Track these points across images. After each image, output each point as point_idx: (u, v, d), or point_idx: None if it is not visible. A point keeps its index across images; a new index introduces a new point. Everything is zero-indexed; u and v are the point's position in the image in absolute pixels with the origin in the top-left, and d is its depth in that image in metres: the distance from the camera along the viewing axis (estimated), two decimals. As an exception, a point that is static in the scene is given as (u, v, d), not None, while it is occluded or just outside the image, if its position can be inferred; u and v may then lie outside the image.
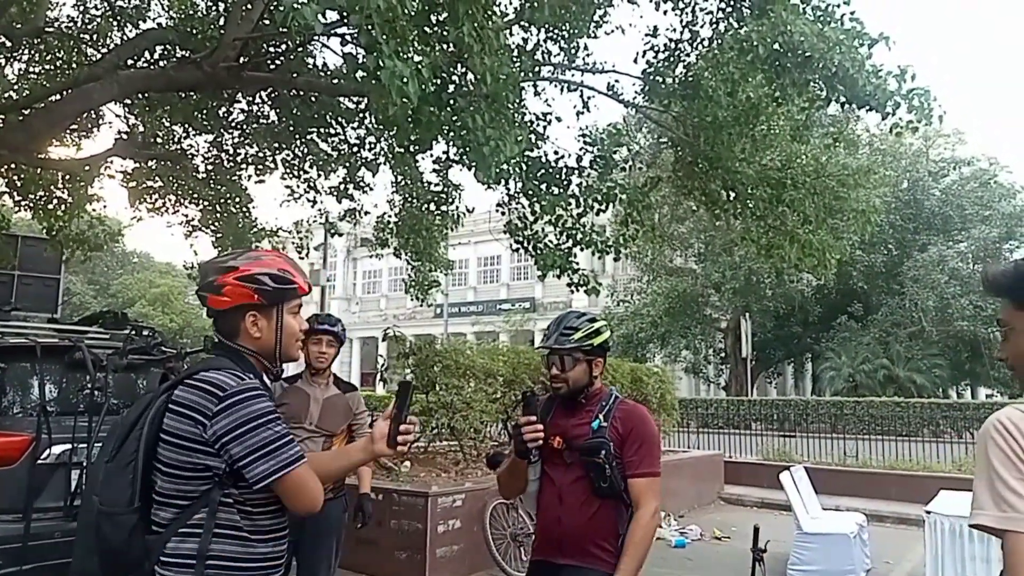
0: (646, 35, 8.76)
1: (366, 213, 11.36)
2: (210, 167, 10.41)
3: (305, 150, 10.07)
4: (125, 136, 9.69)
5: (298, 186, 10.86)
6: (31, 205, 9.89)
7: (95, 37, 9.30)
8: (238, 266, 1.80)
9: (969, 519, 1.34)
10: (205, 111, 9.24)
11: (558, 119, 9.16)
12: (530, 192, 8.11)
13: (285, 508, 1.79)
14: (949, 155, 31.35)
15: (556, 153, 8.43)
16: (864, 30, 7.29)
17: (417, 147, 8.06)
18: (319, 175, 10.57)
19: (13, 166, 8.78)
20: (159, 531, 1.69)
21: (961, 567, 5.16)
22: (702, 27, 8.41)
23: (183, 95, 8.61)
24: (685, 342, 29.12)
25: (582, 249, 8.49)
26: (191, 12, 8.57)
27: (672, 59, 8.56)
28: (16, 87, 9.38)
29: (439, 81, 5.60)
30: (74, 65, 9.13)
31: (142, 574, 1.68)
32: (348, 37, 6.72)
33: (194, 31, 8.26)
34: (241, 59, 7.19)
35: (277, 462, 1.65)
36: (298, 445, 1.72)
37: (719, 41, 7.99)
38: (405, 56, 4.58)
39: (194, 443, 1.66)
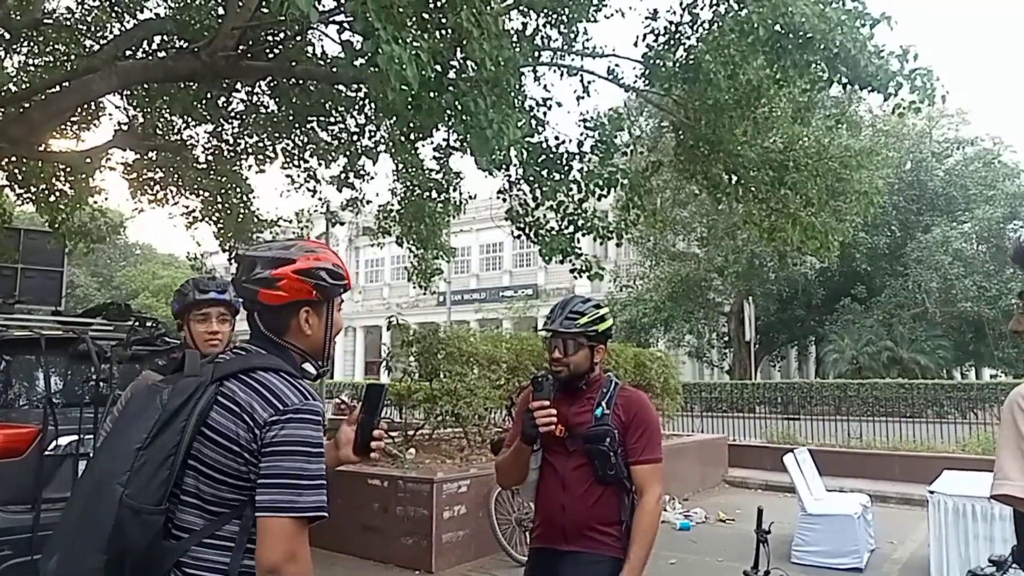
0: (646, 18, 8.70)
1: (368, 202, 11.35)
2: (210, 157, 10.40)
3: (305, 139, 10.05)
4: (125, 127, 9.68)
5: (299, 176, 10.85)
6: (33, 198, 9.91)
7: (93, 28, 9.28)
8: (295, 259, 1.67)
9: (992, 489, 1.33)
10: (204, 101, 9.21)
11: (559, 104, 9.13)
12: (531, 178, 8.09)
13: None
14: (953, 135, 31.20)
15: (557, 139, 8.40)
16: (866, 10, 7.23)
17: (418, 134, 8.05)
18: (320, 164, 10.56)
19: (14, 159, 8.79)
20: (178, 535, 1.52)
21: (964, 546, 5.19)
22: (702, 9, 8.34)
23: (182, 85, 8.59)
24: (688, 326, 29.12)
25: (584, 235, 8.48)
26: (188, 2, 8.54)
27: (672, 42, 8.50)
28: (15, 79, 9.36)
29: (439, 67, 5.57)
30: (73, 57, 9.11)
31: None
32: (346, 24, 6.69)
33: (192, 21, 8.23)
34: (239, 48, 7.16)
35: (289, 499, 1.46)
36: (323, 494, 1.51)
37: (719, 23, 7.93)
38: (403, 41, 4.56)
39: (240, 447, 1.51)
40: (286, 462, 1.48)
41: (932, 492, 5.53)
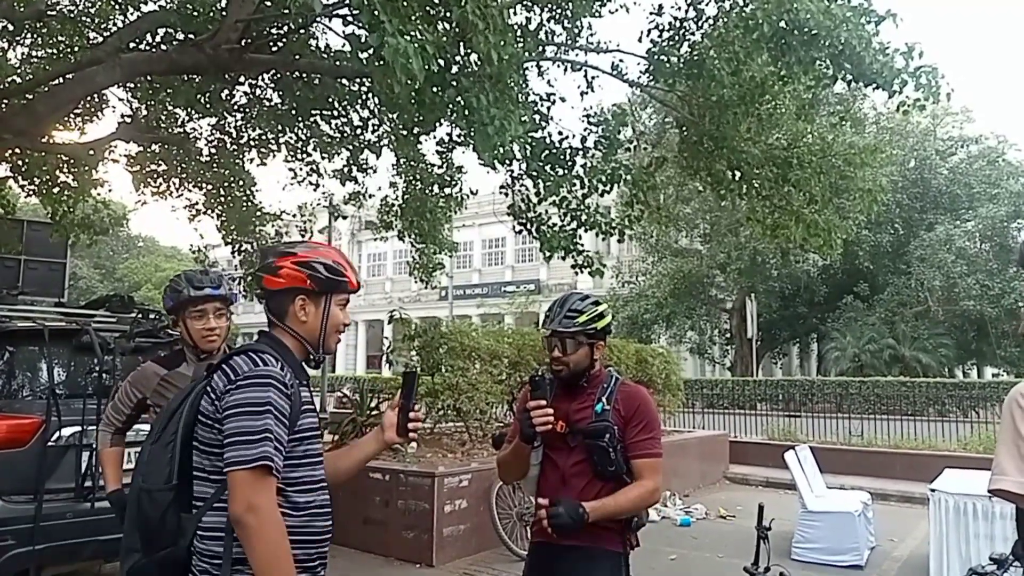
0: (650, 14, 8.67)
1: (370, 196, 11.35)
2: (213, 150, 10.40)
3: (308, 133, 10.05)
4: (128, 120, 9.68)
5: (301, 169, 10.86)
6: (36, 190, 9.92)
7: (97, 20, 9.27)
8: (297, 252, 1.92)
9: (989, 484, 1.33)
10: (208, 94, 9.21)
11: (562, 99, 9.09)
12: (534, 173, 8.07)
13: (325, 482, 1.86)
14: (957, 133, 31.14)
15: (560, 134, 8.38)
16: (871, 7, 7.20)
17: (421, 128, 8.03)
18: (322, 158, 10.56)
19: (18, 150, 8.80)
20: (197, 505, 1.74)
21: (965, 544, 5.19)
22: (707, 5, 8.31)
23: (185, 78, 8.58)
24: (690, 323, 29.13)
25: (587, 230, 8.47)
26: (192, -7, 8.52)
27: (677, 38, 8.47)
28: (19, 71, 9.37)
29: (442, 61, 5.56)
30: (76, 49, 9.10)
31: (178, 551, 1.72)
32: (350, 17, 6.68)
33: (195, 13, 8.21)
34: (243, 41, 7.15)
35: (238, 454, 1.65)
36: (268, 447, 1.66)
37: (724, 19, 7.90)
38: (408, 35, 4.55)
39: (212, 420, 1.73)
40: (233, 422, 1.68)
41: (933, 490, 5.53)
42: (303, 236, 11.71)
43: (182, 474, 1.75)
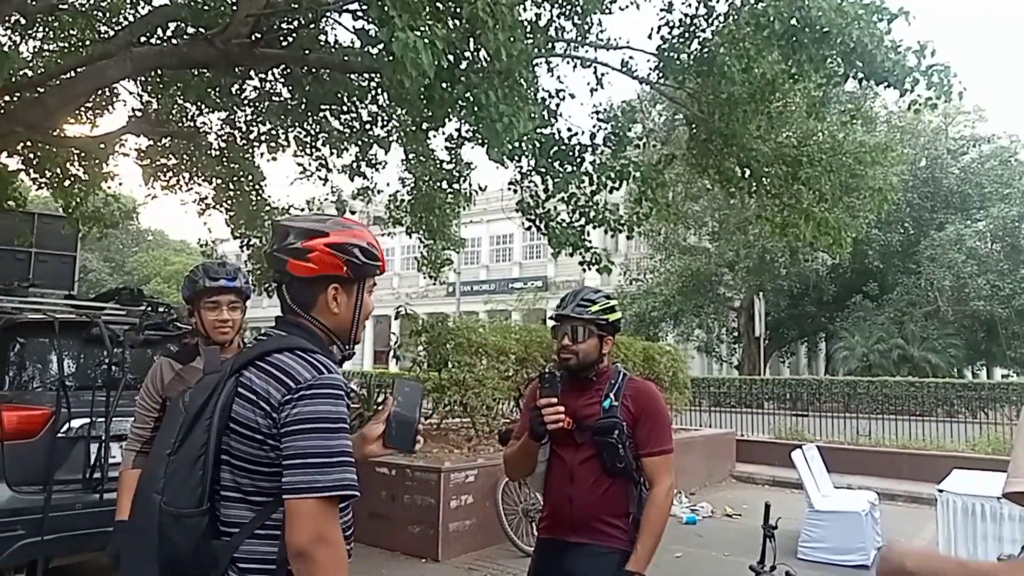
0: (661, 10, 8.65)
1: (379, 191, 11.36)
2: (223, 145, 10.43)
3: (317, 128, 10.06)
4: (139, 113, 9.72)
5: (310, 164, 10.87)
6: (47, 183, 9.97)
7: (108, 14, 9.30)
8: (328, 232, 1.62)
9: (1004, 487, 1.31)
10: (218, 88, 9.23)
11: (571, 96, 9.10)
12: (543, 170, 8.07)
13: (351, 508, 1.61)
14: (969, 133, 30.94)
15: (570, 130, 8.38)
16: (883, 4, 7.15)
17: (430, 124, 8.03)
18: (331, 153, 10.57)
19: (29, 144, 8.84)
20: (229, 531, 1.50)
21: (973, 546, 5.16)
22: (718, 2, 8.28)
23: (196, 72, 8.61)
24: (698, 321, 29.06)
25: (595, 227, 8.47)
26: (203, -12, 8.54)
27: (687, 35, 8.45)
28: (31, 65, 9.42)
29: (452, 57, 5.56)
30: (88, 43, 9.15)
31: None
32: (360, 12, 6.68)
33: (206, 7, 8.24)
34: (253, 36, 7.17)
35: (311, 479, 1.41)
36: (348, 472, 1.45)
37: (735, 16, 7.87)
38: (418, 29, 4.55)
39: (262, 435, 1.48)
40: (303, 441, 1.43)
41: (941, 491, 5.50)
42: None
43: (209, 494, 1.49)
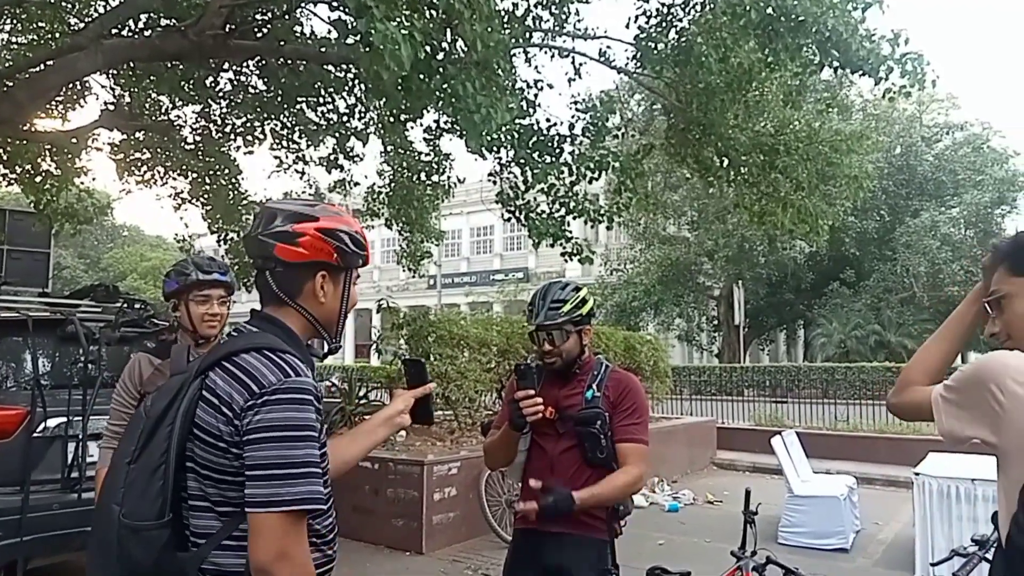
0: (638, 0, 8.64)
1: (356, 184, 11.28)
2: (198, 138, 10.30)
3: (294, 120, 9.96)
4: (111, 107, 9.57)
5: (287, 157, 10.76)
6: (18, 179, 9.79)
7: (78, 6, 9.12)
8: (318, 216, 1.56)
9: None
10: (192, 81, 9.10)
11: (550, 86, 9.06)
12: (522, 161, 8.05)
13: (332, 499, 1.54)
14: (942, 120, 31.29)
15: (548, 121, 8.36)
16: (858, -7, 7.21)
17: (407, 115, 7.98)
18: (308, 145, 10.47)
19: (-1, 139, 8.68)
20: (198, 543, 1.40)
21: (948, 526, 5.26)
22: (694, -8, 8.30)
23: (169, 65, 8.47)
24: (678, 310, 29.21)
25: (575, 218, 8.47)
26: (175, -21, 8.40)
27: (664, 24, 8.45)
28: (-1, 58, 9.23)
29: (429, 48, 5.52)
30: (57, 35, 8.96)
31: None
32: (336, 3, 6.61)
33: (179, -1, 8.10)
34: (227, 27, 7.06)
35: (272, 491, 1.32)
36: (314, 484, 1.36)
37: (712, 6, 7.89)
38: (395, 20, 4.51)
39: (225, 442, 1.38)
40: (266, 450, 1.33)
41: (917, 474, 5.59)
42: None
43: (174, 504, 1.40)
